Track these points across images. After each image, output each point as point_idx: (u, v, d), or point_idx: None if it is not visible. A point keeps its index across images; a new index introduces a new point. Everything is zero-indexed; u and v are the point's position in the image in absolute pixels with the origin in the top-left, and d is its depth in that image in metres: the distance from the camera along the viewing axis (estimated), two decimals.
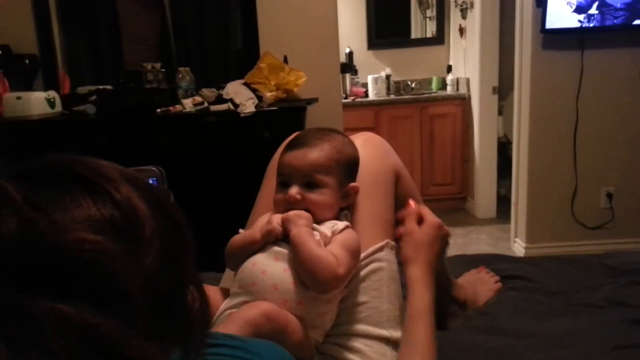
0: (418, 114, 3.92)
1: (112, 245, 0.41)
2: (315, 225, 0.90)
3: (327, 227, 0.91)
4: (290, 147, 0.95)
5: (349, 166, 0.97)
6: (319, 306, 0.86)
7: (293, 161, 0.93)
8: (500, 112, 3.86)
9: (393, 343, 0.91)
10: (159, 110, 2.47)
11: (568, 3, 2.70)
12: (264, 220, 0.95)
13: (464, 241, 3.55)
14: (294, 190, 0.91)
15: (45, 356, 0.35)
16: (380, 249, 0.96)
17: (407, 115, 3.92)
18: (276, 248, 0.88)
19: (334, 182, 0.93)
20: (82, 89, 2.71)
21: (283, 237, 0.88)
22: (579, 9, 2.71)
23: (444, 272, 1.25)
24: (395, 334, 0.92)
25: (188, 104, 2.51)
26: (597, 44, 2.81)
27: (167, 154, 2.49)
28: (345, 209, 0.98)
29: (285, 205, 0.92)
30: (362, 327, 0.91)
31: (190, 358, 0.49)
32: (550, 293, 1.32)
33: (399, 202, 1.05)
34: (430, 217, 1.02)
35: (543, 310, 1.24)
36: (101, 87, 2.65)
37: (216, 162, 2.45)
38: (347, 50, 4.28)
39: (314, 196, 0.92)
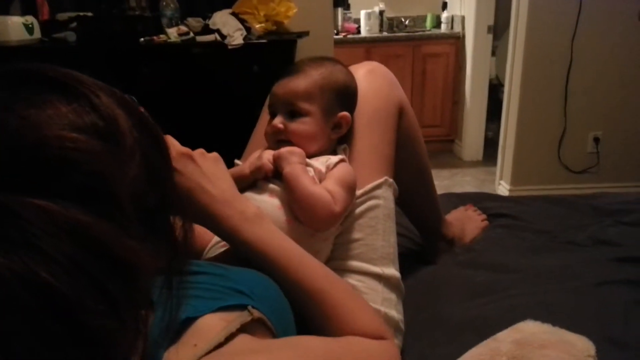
0: (411, 53, 3.84)
1: (95, 144, 0.39)
2: (308, 161, 0.87)
3: (320, 162, 0.88)
4: (280, 76, 0.92)
5: (337, 93, 0.92)
6: (314, 243, 0.85)
7: (278, 90, 0.90)
8: (493, 53, 3.79)
9: (384, 279, 0.90)
10: (142, 39, 2.37)
11: None
12: (257, 155, 0.92)
13: (449, 183, 3.57)
14: (276, 120, 0.89)
15: (35, 256, 0.33)
16: (379, 186, 0.94)
17: (400, 54, 3.83)
18: (270, 185, 0.85)
19: (317, 110, 0.89)
20: (62, 15, 2.57)
21: (275, 174, 0.85)
22: None
23: (436, 209, 1.25)
24: (387, 270, 0.91)
25: (173, 33, 2.41)
26: None
27: (151, 86, 2.41)
28: (344, 142, 0.96)
29: (272, 136, 0.89)
30: (355, 264, 0.90)
31: (173, 282, 0.48)
32: (536, 231, 1.33)
33: (401, 139, 1.02)
34: None
35: (528, 247, 1.25)
36: (82, 13, 2.53)
37: (203, 95, 2.38)
38: None
39: (296, 125, 0.89)
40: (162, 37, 2.42)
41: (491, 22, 3.58)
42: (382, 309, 0.89)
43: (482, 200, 1.54)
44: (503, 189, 3.19)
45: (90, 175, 0.38)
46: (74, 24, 2.39)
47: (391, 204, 0.98)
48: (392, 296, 0.92)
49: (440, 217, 1.28)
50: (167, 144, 0.51)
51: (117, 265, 0.37)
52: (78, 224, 0.35)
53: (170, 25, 2.48)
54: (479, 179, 3.64)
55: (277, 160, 0.85)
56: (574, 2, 2.75)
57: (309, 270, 0.71)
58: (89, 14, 2.57)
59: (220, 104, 2.37)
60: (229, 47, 2.35)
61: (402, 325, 0.92)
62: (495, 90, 3.92)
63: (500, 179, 3.23)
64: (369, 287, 0.90)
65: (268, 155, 0.86)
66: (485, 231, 1.37)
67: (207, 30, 2.45)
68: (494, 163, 3.41)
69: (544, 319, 0.85)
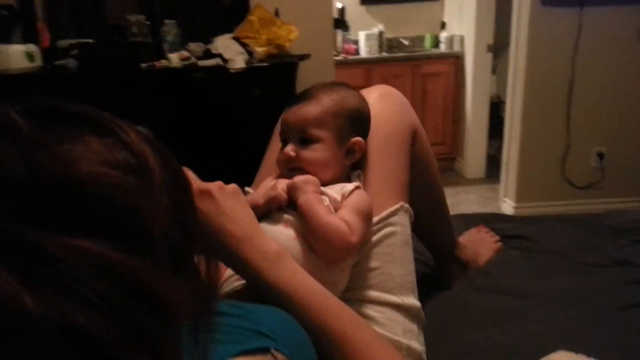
0: (410, 73, 3.85)
1: (129, 180, 0.37)
2: (323, 189, 0.84)
3: (335, 191, 0.85)
4: (290, 103, 0.90)
5: (350, 119, 0.90)
6: (331, 275, 0.82)
7: (289, 117, 0.88)
8: (493, 71, 3.80)
9: (405, 309, 0.88)
10: (143, 65, 2.37)
11: None
12: (268, 183, 0.90)
13: (453, 201, 3.55)
14: (288, 148, 0.87)
15: (70, 299, 0.31)
16: (394, 212, 0.92)
17: (399, 74, 3.84)
18: (284, 215, 0.83)
19: (329, 136, 0.87)
20: (63, 43, 2.58)
21: (289, 204, 0.83)
22: None
23: (450, 233, 1.23)
24: (407, 300, 0.88)
25: (175, 58, 2.42)
26: (597, 1, 2.74)
27: (153, 111, 2.41)
28: (358, 168, 0.94)
29: (284, 165, 0.87)
30: (373, 294, 0.87)
31: (201, 324, 0.46)
32: (551, 253, 1.30)
33: (415, 162, 1.00)
34: None
35: (545, 270, 1.22)
36: (82, 40, 2.53)
37: (205, 120, 2.37)
38: (339, 5, 4.15)
39: (308, 153, 0.86)
40: (164, 62, 2.42)
41: (490, 41, 3.59)
42: (404, 340, 0.86)
43: (492, 221, 1.52)
44: (508, 206, 3.16)
45: (125, 211, 0.36)
46: (75, 51, 2.39)
47: (408, 230, 0.95)
48: (414, 327, 0.89)
49: (454, 240, 1.26)
50: (189, 182, 0.49)
51: (156, 305, 0.35)
52: (114, 263, 0.33)
53: (172, 51, 2.48)
54: (482, 197, 3.62)
55: (291, 190, 0.83)
56: (574, 20, 2.76)
57: (332, 314, 0.69)
58: (90, 40, 2.58)
59: (223, 128, 2.36)
60: (231, 70, 2.35)
61: (424, 357, 0.89)
62: (496, 108, 3.92)
63: (505, 196, 3.21)
64: (389, 319, 0.87)
65: (282, 184, 0.84)
66: (499, 253, 1.34)
67: (208, 54, 2.45)
68: (497, 180, 3.39)
69: (570, 347, 0.82)
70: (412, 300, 0.90)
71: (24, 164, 0.33)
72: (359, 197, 0.86)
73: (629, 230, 1.36)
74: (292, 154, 0.86)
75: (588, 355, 0.78)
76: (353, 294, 0.88)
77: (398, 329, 0.87)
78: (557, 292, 1.11)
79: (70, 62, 2.31)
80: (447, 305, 1.13)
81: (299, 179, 0.82)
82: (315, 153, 0.87)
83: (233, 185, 0.76)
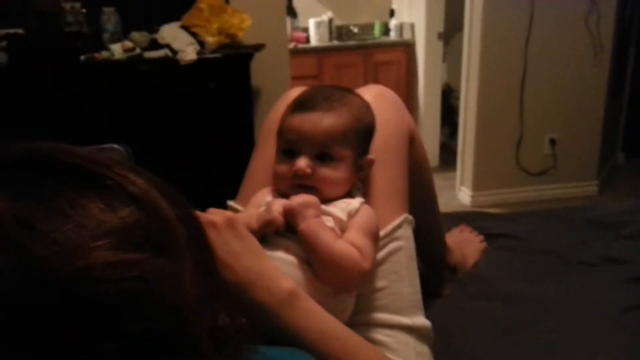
0: (362, 62, 3.78)
1: (155, 264, 0.25)
2: (326, 209, 0.74)
3: (340, 209, 0.75)
4: (299, 108, 0.78)
5: (367, 135, 0.81)
6: (340, 302, 0.73)
7: (304, 126, 0.76)
8: (443, 59, 3.79)
9: (416, 331, 0.80)
10: (82, 57, 2.16)
11: None
12: (259, 199, 0.78)
13: None
14: (303, 163, 0.74)
15: None
16: (399, 225, 0.83)
17: (351, 63, 3.76)
18: (283, 240, 0.72)
19: (351, 156, 0.78)
20: None
21: (286, 229, 0.72)
22: None
23: (442, 239, 1.16)
24: (418, 320, 0.80)
25: (117, 50, 2.22)
26: None
27: (95, 109, 2.20)
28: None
29: (290, 180, 0.76)
30: (382, 316, 0.79)
31: None
32: (540, 252, 1.26)
33: (412, 167, 0.91)
34: None
35: (538, 272, 1.18)
36: (11, 30, 2.27)
37: (154, 117, 2.20)
38: None
39: (328, 171, 0.76)
40: (105, 54, 2.21)
41: (441, 28, 3.57)
42: None
43: (472, 219, 1.47)
44: (464, 195, 3.17)
45: (162, 312, 0.24)
46: (3, 43, 2.15)
47: (412, 244, 0.87)
48: (425, 349, 0.81)
49: (445, 245, 1.19)
50: (202, 225, 0.38)
51: None
52: None
53: (113, 41, 2.28)
54: (438, 186, 3.59)
55: (289, 215, 0.72)
56: (526, 9, 2.77)
57: (355, 357, 0.60)
58: (19, 30, 2.32)
59: (176, 126, 2.19)
60: (182, 63, 2.18)
61: None
62: (445, 97, 3.93)
63: (461, 184, 3.22)
64: (400, 342, 0.79)
65: (278, 207, 0.72)
66: (486, 254, 1.29)
67: (155, 45, 2.27)
68: (450, 169, 3.39)
69: (589, 356, 0.77)
70: (422, 320, 0.83)
71: (13, 263, 0.21)
72: (367, 216, 0.76)
73: (613, 224, 1.34)
74: (308, 170, 0.75)
75: None
76: (360, 318, 0.79)
77: (410, 354, 0.79)
78: (557, 295, 1.07)
79: (0, 56, 2.06)
80: (441, 315, 1.05)
81: (297, 203, 0.71)
82: (335, 173, 0.76)
83: (226, 216, 0.64)
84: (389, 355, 0.76)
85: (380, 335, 0.79)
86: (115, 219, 0.25)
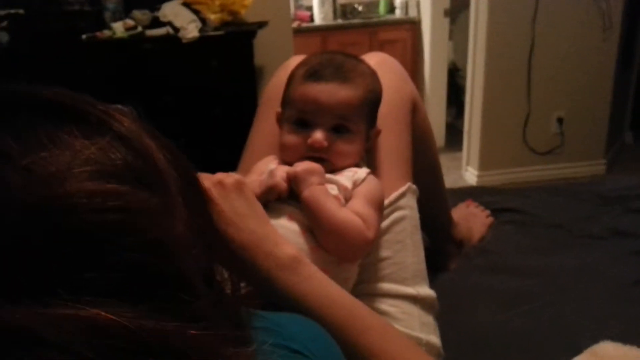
0: (367, 40, 3.72)
1: (140, 196, 0.24)
2: (332, 177, 0.73)
3: (346, 178, 0.74)
4: (314, 77, 0.75)
5: (377, 106, 0.80)
6: (341, 271, 0.72)
7: (321, 97, 0.73)
8: (449, 38, 3.74)
9: (420, 301, 0.79)
10: (84, 36, 2.14)
11: None
12: (262, 167, 0.77)
13: None
14: (319, 135, 0.73)
15: None
16: (403, 194, 0.82)
17: (356, 42, 3.71)
18: (286, 206, 0.71)
19: (364, 128, 0.77)
20: None
21: (290, 194, 0.71)
22: None
23: (447, 210, 1.14)
24: (422, 290, 0.80)
25: (119, 28, 2.20)
26: None
27: (98, 88, 2.18)
28: None
29: (303, 151, 0.74)
30: (386, 286, 0.78)
31: None
32: (547, 226, 1.24)
33: (415, 136, 0.90)
34: None
35: (545, 245, 1.16)
36: (12, 11, 2.25)
37: (157, 96, 2.18)
38: None
39: (343, 144, 0.74)
40: (107, 32, 2.19)
41: (447, 5, 3.51)
42: (422, 335, 0.78)
43: (478, 195, 1.45)
44: (471, 175, 3.15)
45: (144, 246, 0.23)
46: (4, 23, 2.13)
47: (416, 213, 0.86)
48: (430, 319, 0.81)
49: (450, 218, 1.18)
50: (200, 179, 0.37)
51: None
52: (142, 338, 0.21)
53: (115, 20, 2.25)
54: (444, 166, 3.55)
55: (293, 180, 0.71)
56: None
57: (359, 326, 0.59)
58: (20, 11, 2.30)
59: (179, 105, 2.17)
60: (184, 41, 2.16)
61: (442, 351, 0.81)
62: (451, 76, 3.88)
63: (467, 164, 3.19)
64: (405, 312, 0.78)
65: (281, 172, 0.71)
66: (493, 228, 1.27)
67: (156, 23, 2.24)
68: (456, 149, 3.36)
69: (596, 329, 0.75)
70: (427, 291, 0.82)
71: None
72: (372, 185, 0.75)
73: (621, 198, 1.32)
74: (325, 143, 0.73)
75: (627, 342, 0.71)
76: (364, 288, 0.78)
77: (414, 323, 0.79)
78: (561, 268, 1.06)
79: (1, 36, 2.05)
80: (448, 288, 1.05)
81: (301, 169, 0.70)
82: (350, 145, 0.75)
83: (235, 178, 0.63)
84: (394, 324, 0.75)
85: (384, 305, 0.78)
86: (95, 150, 0.24)
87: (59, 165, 0.23)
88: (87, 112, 0.27)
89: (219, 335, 0.26)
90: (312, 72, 0.76)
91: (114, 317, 0.20)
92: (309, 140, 0.73)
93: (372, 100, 0.78)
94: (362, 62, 0.81)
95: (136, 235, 0.23)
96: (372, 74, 0.80)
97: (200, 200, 0.35)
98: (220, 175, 0.63)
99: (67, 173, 0.23)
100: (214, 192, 0.60)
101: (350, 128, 0.75)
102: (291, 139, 0.75)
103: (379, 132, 0.81)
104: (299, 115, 0.75)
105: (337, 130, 0.75)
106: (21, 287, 0.20)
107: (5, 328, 0.19)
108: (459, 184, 3.17)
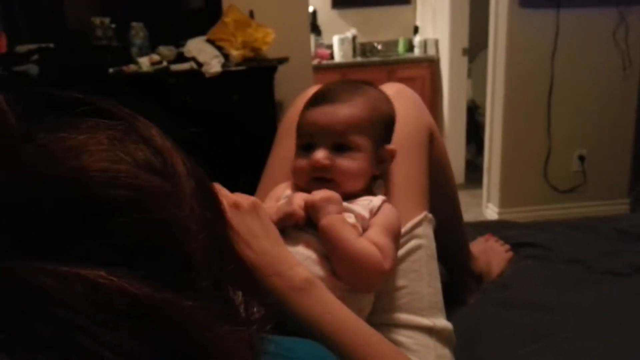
0: (386, 78, 3.78)
1: (154, 181, 0.26)
2: (348, 206, 0.73)
3: (362, 206, 0.74)
4: (315, 102, 0.77)
5: (385, 126, 0.80)
6: (358, 300, 0.71)
7: (319, 118, 0.75)
8: (468, 75, 3.77)
9: (436, 333, 0.77)
10: (111, 70, 2.22)
11: None
12: (278, 192, 0.78)
13: None
14: (320, 154, 0.74)
15: None
16: (419, 223, 0.81)
17: (375, 79, 3.70)
18: (303, 234, 0.71)
19: (369, 145, 0.76)
20: (22, 48, 2.39)
21: (307, 222, 0.71)
22: None
23: (465, 243, 1.13)
24: (438, 322, 0.78)
25: (145, 63, 2.27)
26: (573, 2, 2.73)
27: None
28: (379, 177, 0.82)
29: (309, 173, 0.75)
30: (402, 316, 0.77)
31: None
32: (568, 261, 1.22)
33: (432, 167, 0.90)
34: None
35: (566, 280, 1.14)
36: (43, 45, 2.35)
37: (180, 129, 2.22)
38: (311, 9, 4.06)
39: (346, 162, 0.74)
40: (133, 67, 2.27)
41: (466, 44, 3.56)
42: None
43: (498, 229, 1.43)
44: (491, 212, 3.11)
45: (151, 223, 0.24)
46: (35, 57, 2.22)
47: (433, 243, 0.85)
48: (446, 352, 0.79)
49: (468, 251, 1.16)
50: (218, 195, 0.38)
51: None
52: (139, 302, 0.22)
53: (141, 55, 2.33)
54: (464, 203, 3.52)
55: (310, 209, 0.71)
56: (552, 22, 2.74)
57: (373, 352, 0.59)
58: (51, 45, 2.40)
59: (201, 137, 2.22)
60: (207, 75, 2.22)
61: None
62: (471, 113, 3.89)
63: (488, 201, 3.16)
64: (420, 344, 0.77)
65: (299, 200, 0.71)
66: (512, 263, 1.25)
67: (181, 58, 2.32)
68: (476, 186, 3.34)
69: None
70: (443, 322, 0.80)
71: (6, 164, 0.21)
72: (389, 214, 0.75)
73: None
74: (326, 162, 0.74)
75: None
76: (378, 318, 0.77)
77: (430, 356, 0.77)
78: (582, 303, 1.03)
79: (32, 68, 2.13)
80: (466, 322, 1.02)
81: (319, 197, 0.70)
82: (354, 163, 0.75)
83: (251, 200, 0.63)
84: (409, 356, 0.73)
85: (399, 336, 0.76)
86: (118, 146, 0.26)
87: (77, 142, 0.25)
88: (112, 112, 0.29)
89: (218, 314, 0.26)
90: (314, 99, 0.78)
91: (114, 279, 0.21)
92: (310, 161, 0.74)
93: (376, 118, 0.78)
94: (373, 87, 0.83)
95: (144, 213, 0.24)
96: (380, 96, 0.81)
97: (215, 207, 0.36)
98: (236, 196, 0.63)
99: (83, 149, 0.24)
100: (230, 213, 0.60)
101: (351, 144, 0.75)
102: (299, 162, 0.77)
103: (393, 153, 0.81)
104: (303, 140, 0.77)
105: (339, 148, 0.75)
106: (30, 246, 0.21)
107: (13, 282, 0.20)
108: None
